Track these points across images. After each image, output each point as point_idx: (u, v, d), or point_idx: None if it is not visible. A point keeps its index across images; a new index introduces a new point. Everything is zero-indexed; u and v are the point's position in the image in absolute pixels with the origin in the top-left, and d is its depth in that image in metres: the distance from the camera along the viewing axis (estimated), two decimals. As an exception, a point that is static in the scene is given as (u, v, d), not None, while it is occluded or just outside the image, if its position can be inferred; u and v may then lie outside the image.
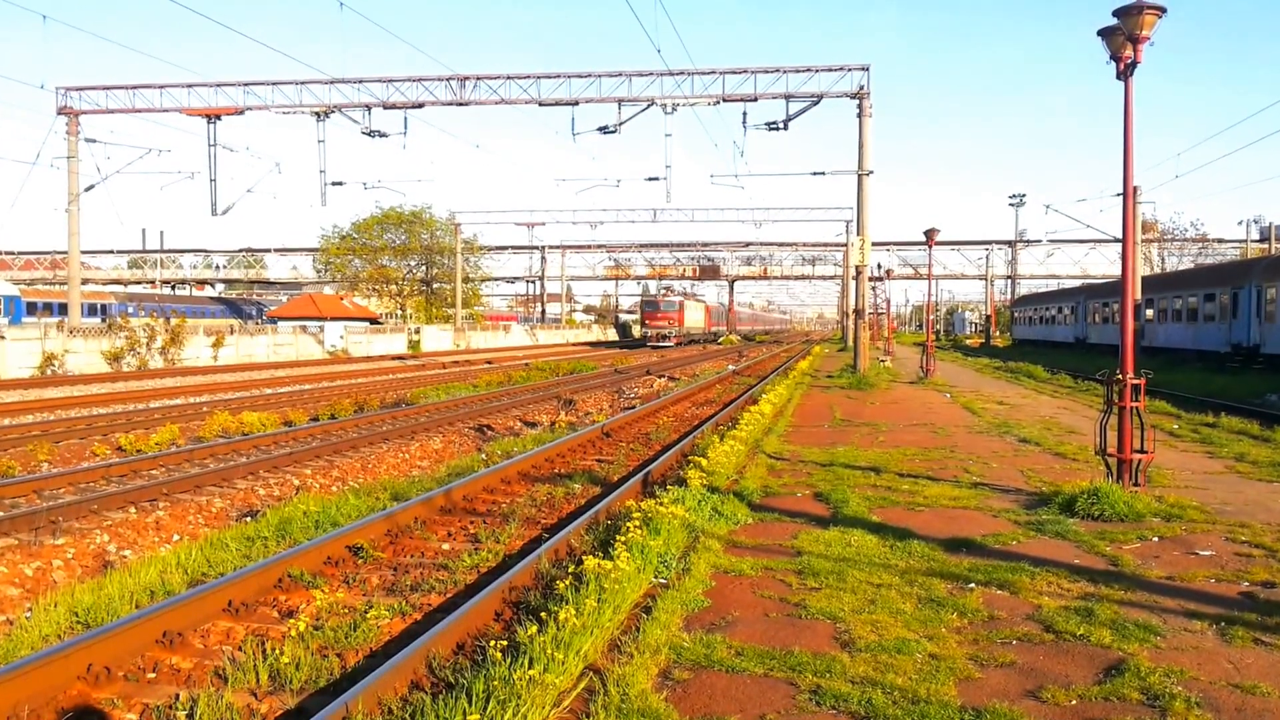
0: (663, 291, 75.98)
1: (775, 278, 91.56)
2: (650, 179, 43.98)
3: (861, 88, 33.44)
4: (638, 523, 7.68)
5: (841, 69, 34.04)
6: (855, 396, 24.11)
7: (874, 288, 57.54)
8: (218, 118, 37.05)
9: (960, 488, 10.85)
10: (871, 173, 32.22)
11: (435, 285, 77.54)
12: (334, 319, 58.55)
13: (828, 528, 8.72)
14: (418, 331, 62.84)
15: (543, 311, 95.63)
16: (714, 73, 35.16)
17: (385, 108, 36.45)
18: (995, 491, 10.67)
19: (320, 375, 33.11)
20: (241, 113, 37.01)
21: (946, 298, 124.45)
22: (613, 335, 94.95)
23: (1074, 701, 4.91)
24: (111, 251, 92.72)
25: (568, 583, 6.28)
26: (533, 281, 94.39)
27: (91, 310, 62.54)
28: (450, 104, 36.17)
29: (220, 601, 6.60)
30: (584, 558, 6.74)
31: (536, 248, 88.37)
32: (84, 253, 66.26)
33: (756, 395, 21.85)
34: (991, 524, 8.98)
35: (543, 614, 5.62)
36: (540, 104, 35.86)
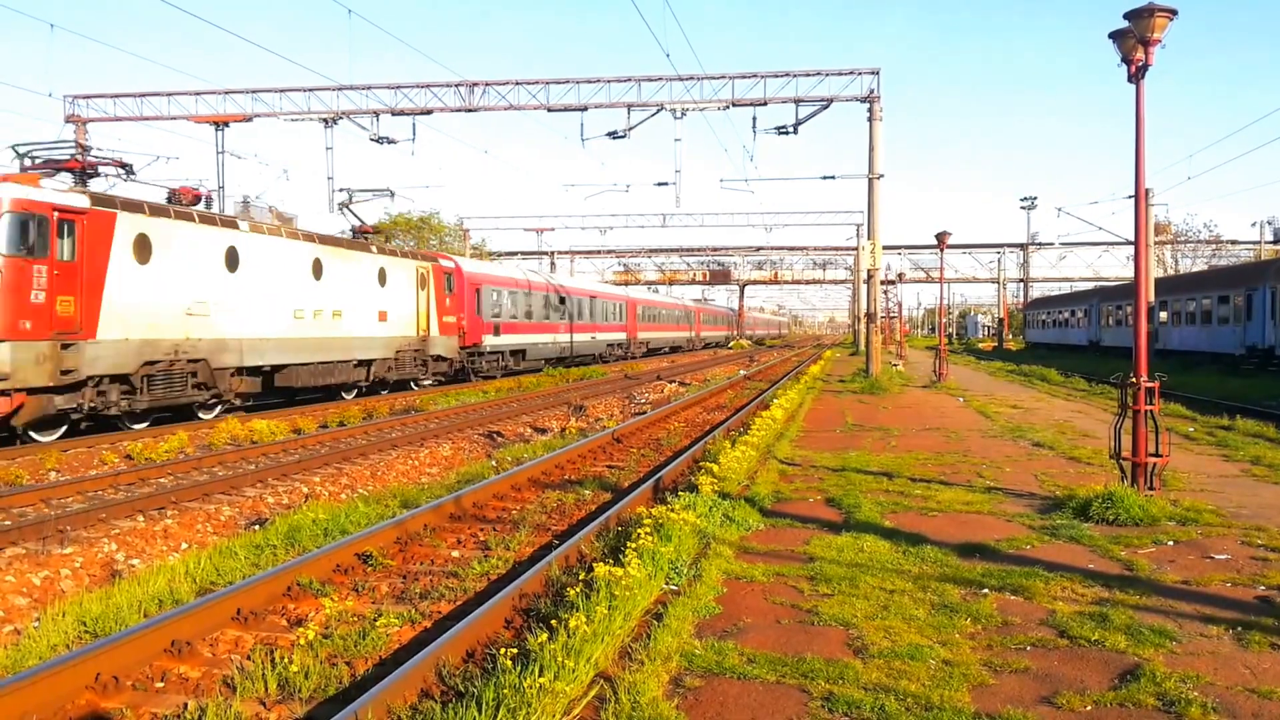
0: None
1: (786, 282, 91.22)
2: (660, 184, 43.75)
3: (871, 91, 33.35)
4: (649, 529, 7.63)
5: (851, 73, 33.95)
6: (867, 401, 24.02)
7: (885, 291, 57.38)
8: (226, 125, 37.11)
9: (973, 492, 10.77)
10: (882, 176, 32.13)
11: (445, 291, 77.55)
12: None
13: (840, 533, 8.67)
14: (427, 338, 62.84)
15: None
16: (723, 77, 35.08)
17: (393, 114, 36.46)
18: (1009, 496, 10.59)
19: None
20: (249, 120, 37.06)
21: (959, 301, 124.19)
22: None
23: (1089, 707, 4.85)
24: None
25: (578, 589, 6.24)
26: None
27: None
28: (459, 110, 36.15)
29: (229, 610, 6.58)
30: (595, 564, 6.69)
31: (545, 253, 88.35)
32: (96, 261, 66.54)
33: (768, 400, 21.78)
34: (1005, 529, 8.91)
35: (553, 621, 5.58)
36: (549, 109, 35.85)
